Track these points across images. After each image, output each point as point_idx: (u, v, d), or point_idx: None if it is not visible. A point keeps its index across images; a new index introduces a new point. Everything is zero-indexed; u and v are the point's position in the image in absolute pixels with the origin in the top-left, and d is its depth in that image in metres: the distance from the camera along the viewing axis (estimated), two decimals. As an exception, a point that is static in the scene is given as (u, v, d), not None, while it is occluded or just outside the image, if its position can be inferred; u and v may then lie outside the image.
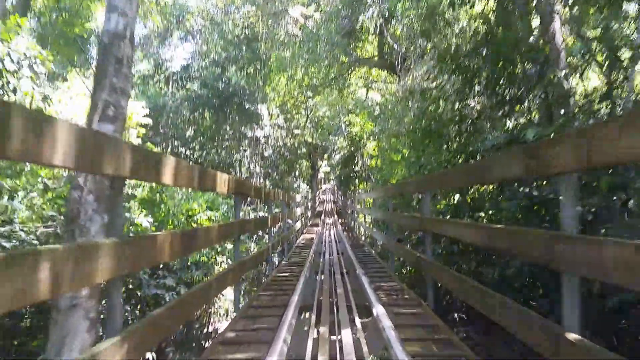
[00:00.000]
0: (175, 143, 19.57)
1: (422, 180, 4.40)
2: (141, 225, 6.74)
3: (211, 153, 20.30)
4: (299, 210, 12.45)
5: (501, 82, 6.15)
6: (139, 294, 6.74)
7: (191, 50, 23.28)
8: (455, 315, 5.29)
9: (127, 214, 6.76)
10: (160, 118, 19.18)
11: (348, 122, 29.38)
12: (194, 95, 18.64)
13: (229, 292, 11.26)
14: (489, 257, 4.65)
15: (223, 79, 18.67)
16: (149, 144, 17.57)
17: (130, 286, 6.74)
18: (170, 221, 9.64)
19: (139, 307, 7.08)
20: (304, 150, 33.36)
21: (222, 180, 3.26)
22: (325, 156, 41.06)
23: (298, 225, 12.34)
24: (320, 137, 34.24)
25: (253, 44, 20.33)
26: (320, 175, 51.35)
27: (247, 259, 4.44)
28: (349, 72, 24.43)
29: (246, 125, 20.44)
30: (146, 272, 7.32)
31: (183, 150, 19.83)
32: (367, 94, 29.12)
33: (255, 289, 13.81)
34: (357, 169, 29.45)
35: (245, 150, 20.28)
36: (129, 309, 6.84)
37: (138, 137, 12.53)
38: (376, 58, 21.29)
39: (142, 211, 8.82)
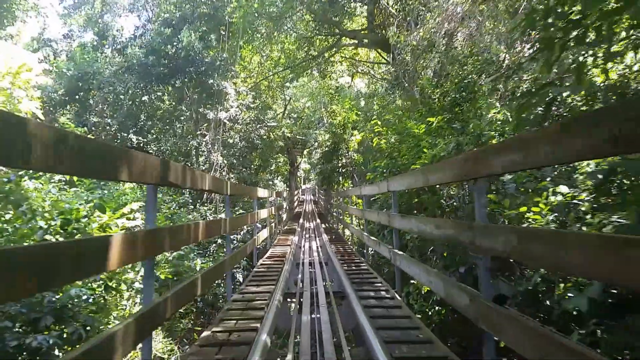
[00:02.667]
0: (114, 124, 15.16)
1: None
2: None
3: (162, 140, 15.99)
4: (265, 212, 8.34)
5: None
6: None
7: (140, 16, 18.91)
8: None
9: None
10: (94, 91, 14.80)
11: (331, 111, 25.57)
12: (137, 62, 14.27)
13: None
14: None
15: (174, 42, 14.37)
16: (67, 122, 13.15)
17: None
18: (30, 229, 5.50)
19: None
20: (281, 144, 29.29)
21: None
22: (306, 152, 37.03)
23: (264, 234, 8.25)
24: (300, 129, 30.18)
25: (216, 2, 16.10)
26: (300, 173, 47.24)
27: None
28: (333, 50, 20.62)
29: (206, 104, 16.20)
30: None
31: (125, 134, 15.44)
32: (352, 79, 25.36)
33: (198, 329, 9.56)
34: (341, 164, 25.61)
35: (204, 136, 16.02)
36: None
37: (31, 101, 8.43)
38: (365, 32, 17.39)
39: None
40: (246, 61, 22.21)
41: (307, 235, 11.17)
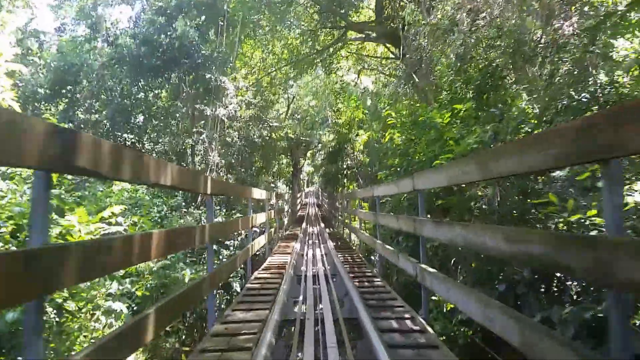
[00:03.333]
0: (104, 121, 14.13)
1: None
2: None
3: (155, 139, 15.01)
4: (263, 216, 7.29)
5: None
6: None
7: (132, 6, 17.94)
8: None
9: None
10: (81, 85, 13.81)
11: (336, 110, 24.57)
12: (128, 53, 13.26)
13: None
14: None
15: (168, 32, 13.34)
16: (49, 117, 12.18)
17: None
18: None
19: None
20: (284, 145, 28.27)
21: None
22: (309, 154, 35.98)
23: (261, 241, 7.19)
24: (303, 129, 29.18)
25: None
26: (303, 175, 46.12)
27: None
28: (339, 44, 19.60)
29: (203, 100, 15.18)
30: None
31: (119, 133, 14.43)
32: (359, 76, 24.32)
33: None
34: (346, 165, 24.58)
35: (201, 134, 14.98)
36: None
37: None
38: (373, 24, 16.37)
39: None
40: (247, 56, 21.21)
41: (311, 242, 10.11)
